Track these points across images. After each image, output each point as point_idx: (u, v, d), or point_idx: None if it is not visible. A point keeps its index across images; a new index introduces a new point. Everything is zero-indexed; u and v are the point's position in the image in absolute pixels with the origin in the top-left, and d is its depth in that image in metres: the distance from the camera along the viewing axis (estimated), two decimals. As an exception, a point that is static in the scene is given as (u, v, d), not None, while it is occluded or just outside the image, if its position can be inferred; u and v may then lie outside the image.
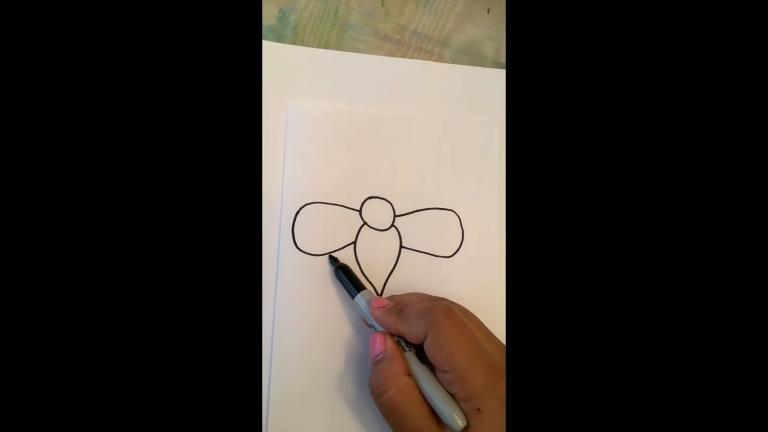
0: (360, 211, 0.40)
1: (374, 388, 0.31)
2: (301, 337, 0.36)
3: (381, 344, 0.32)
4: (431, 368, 0.31)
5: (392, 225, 0.40)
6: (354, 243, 0.39)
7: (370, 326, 0.35)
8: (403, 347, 0.32)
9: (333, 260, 0.38)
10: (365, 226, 0.39)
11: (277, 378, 0.35)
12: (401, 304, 0.33)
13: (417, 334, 0.31)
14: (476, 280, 0.41)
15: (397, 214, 0.40)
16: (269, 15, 0.42)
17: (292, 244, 0.38)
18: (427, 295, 0.36)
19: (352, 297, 0.36)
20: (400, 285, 0.39)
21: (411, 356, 0.32)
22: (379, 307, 0.33)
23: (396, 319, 0.32)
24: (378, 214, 0.40)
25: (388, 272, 0.39)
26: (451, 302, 0.33)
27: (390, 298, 0.36)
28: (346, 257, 0.38)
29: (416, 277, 0.39)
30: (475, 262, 0.41)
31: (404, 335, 0.32)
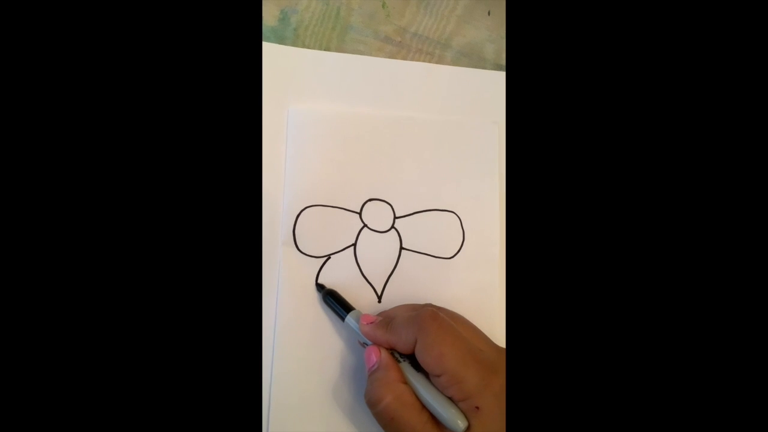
0: (360, 213, 0.40)
1: (370, 398, 0.31)
2: (302, 339, 0.37)
3: (375, 356, 0.32)
4: (426, 375, 0.31)
5: (392, 227, 0.40)
6: (354, 245, 0.39)
7: (364, 345, 0.35)
8: (397, 358, 0.32)
9: (320, 287, 0.38)
10: (365, 228, 0.40)
11: (278, 380, 0.35)
12: (389, 318, 0.34)
13: (406, 342, 0.31)
14: (476, 281, 0.41)
15: (397, 215, 0.40)
16: (270, 16, 0.42)
17: (293, 246, 0.38)
18: (414, 304, 0.36)
19: (342, 319, 0.36)
20: (400, 286, 0.39)
21: (406, 366, 0.32)
22: (367, 324, 0.34)
23: (385, 332, 0.32)
24: (378, 216, 0.40)
25: (388, 274, 0.39)
26: (437, 306, 0.33)
27: (378, 315, 0.36)
28: (346, 259, 0.38)
29: (416, 278, 0.39)
30: (475, 263, 0.41)
31: (395, 346, 0.32)
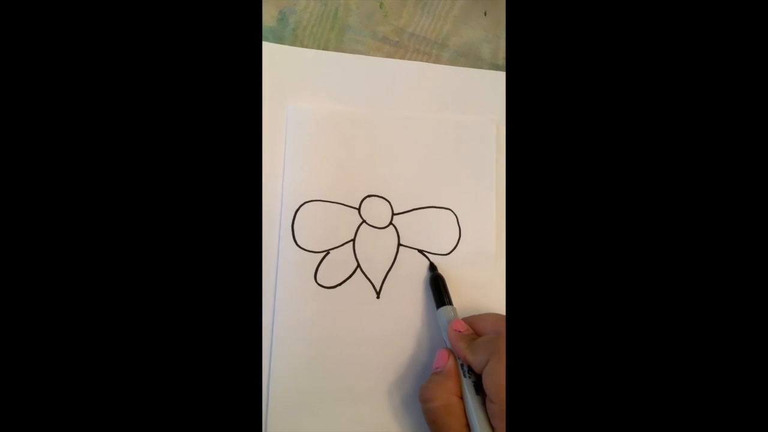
0: (359, 209, 0.40)
1: (423, 394, 0.33)
2: (300, 334, 0.37)
3: (444, 359, 0.34)
4: (483, 399, 0.32)
5: (390, 223, 0.41)
6: (353, 240, 0.40)
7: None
8: (464, 372, 0.33)
9: (432, 267, 0.40)
10: (364, 223, 0.40)
11: (277, 376, 0.36)
12: (475, 332, 0.35)
13: (479, 364, 0.32)
14: (473, 277, 0.41)
15: (395, 212, 0.41)
16: (269, 17, 0.43)
17: (292, 241, 0.38)
18: (502, 316, 0.36)
19: (437, 308, 0.38)
20: (398, 282, 0.39)
21: (467, 382, 0.33)
22: (455, 330, 0.35)
23: (465, 347, 0.33)
24: (376, 212, 0.40)
25: (387, 269, 0.40)
26: None
27: (468, 318, 0.36)
28: (345, 254, 0.39)
29: (414, 274, 0.40)
30: (472, 260, 0.41)
31: (470, 364, 0.33)
